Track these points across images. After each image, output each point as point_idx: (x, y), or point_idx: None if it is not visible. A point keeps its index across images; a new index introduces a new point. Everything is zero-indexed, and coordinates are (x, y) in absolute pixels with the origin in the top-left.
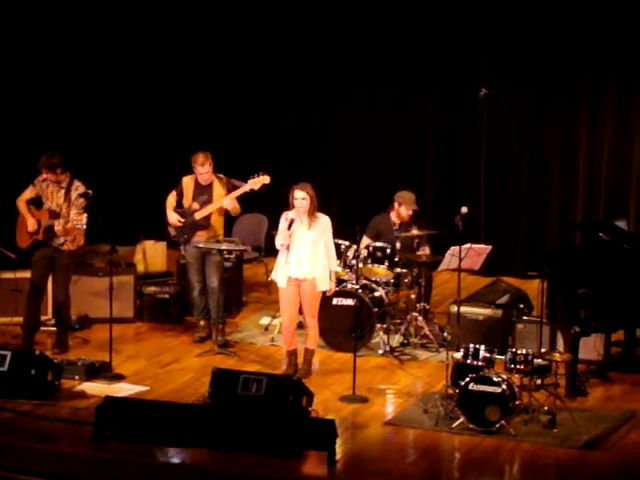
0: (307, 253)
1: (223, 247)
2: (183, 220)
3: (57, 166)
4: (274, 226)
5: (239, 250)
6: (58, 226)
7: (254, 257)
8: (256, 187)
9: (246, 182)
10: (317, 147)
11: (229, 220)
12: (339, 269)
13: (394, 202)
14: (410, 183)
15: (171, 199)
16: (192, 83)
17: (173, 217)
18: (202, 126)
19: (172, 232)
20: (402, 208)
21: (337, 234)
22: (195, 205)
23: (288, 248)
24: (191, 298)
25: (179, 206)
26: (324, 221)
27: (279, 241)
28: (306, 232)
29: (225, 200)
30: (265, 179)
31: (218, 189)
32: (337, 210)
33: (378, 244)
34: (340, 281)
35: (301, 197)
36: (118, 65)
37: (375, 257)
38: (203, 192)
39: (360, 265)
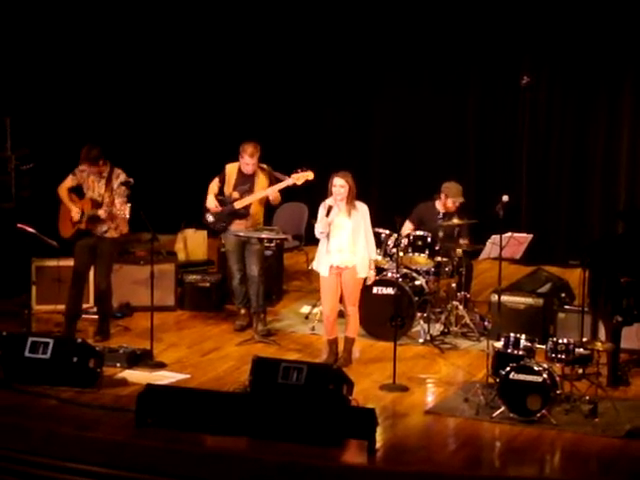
0: (347, 241)
1: (263, 235)
2: (222, 208)
3: (98, 158)
4: (315, 215)
5: (279, 239)
6: (103, 213)
7: (295, 246)
8: (299, 182)
9: (289, 176)
10: (357, 137)
11: (269, 209)
12: (379, 257)
13: (440, 192)
14: (451, 171)
15: (213, 185)
16: (235, 74)
17: (212, 202)
18: (245, 116)
19: (210, 219)
20: (449, 200)
21: (377, 223)
22: (235, 194)
23: (328, 237)
24: (232, 286)
25: (220, 193)
26: (363, 209)
27: (318, 229)
28: (345, 220)
29: (268, 192)
30: (309, 175)
31: (261, 180)
32: (376, 199)
33: (419, 233)
34: (380, 270)
35: (340, 184)
36: (165, 52)
37: (416, 246)
38: (245, 181)
39: (400, 254)
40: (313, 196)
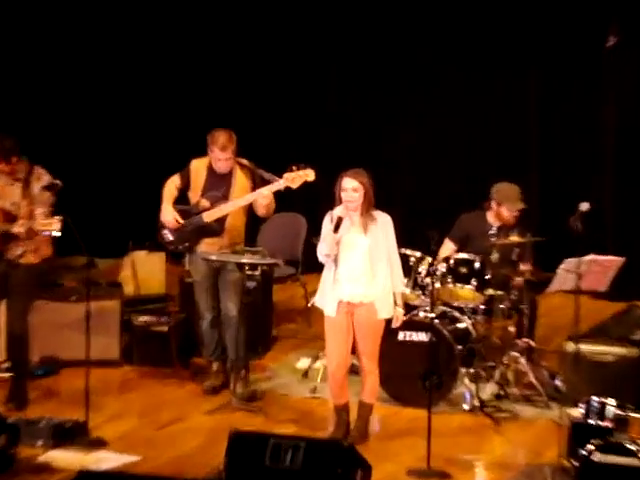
0: (362, 267)
1: (244, 260)
2: (184, 221)
3: (11, 153)
4: (317, 231)
5: (267, 264)
6: (19, 229)
7: (289, 274)
8: (294, 185)
9: (281, 176)
10: (375, 129)
11: (254, 222)
12: (407, 290)
13: (491, 199)
14: (507, 172)
15: (171, 187)
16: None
17: (169, 213)
18: (217, 102)
19: (168, 237)
20: (503, 208)
21: (403, 242)
22: (204, 202)
23: (336, 261)
24: (200, 331)
25: (183, 201)
26: (384, 222)
27: (323, 250)
28: (360, 237)
29: (251, 198)
30: (308, 175)
31: (240, 182)
32: (402, 209)
33: (462, 256)
34: (409, 308)
35: (352, 188)
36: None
37: (458, 274)
38: (219, 185)
39: (437, 285)
40: (314, 204)
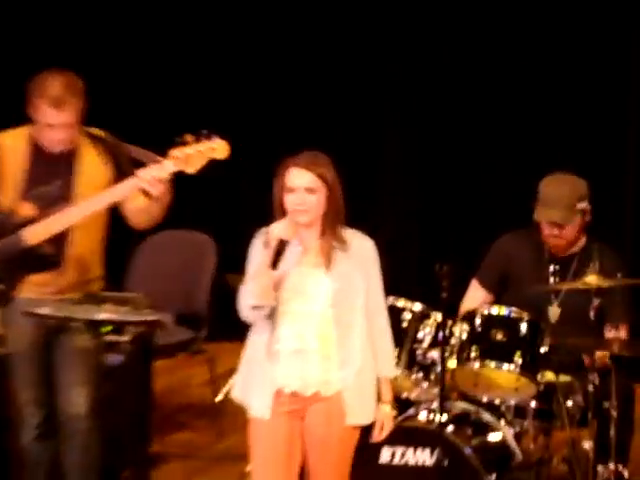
0: (321, 329)
1: (102, 316)
2: None
3: None
4: (235, 264)
5: (144, 323)
6: None
7: (183, 340)
8: (191, 167)
9: (165, 155)
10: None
11: (121, 245)
12: (397, 371)
13: (538, 210)
14: (558, 161)
15: None
16: None
17: None
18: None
19: None
20: (568, 226)
21: (393, 287)
22: (27, 207)
23: (274, 317)
24: (19, 446)
25: None
26: (363, 250)
27: (250, 299)
28: (319, 275)
29: (119, 196)
30: (215, 149)
31: (92, 168)
32: (394, 234)
33: (498, 310)
34: (402, 404)
35: (305, 186)
36: None
37: (491, 343)
38: (51, 174)
39: (452, 363)
40: (234, 215)
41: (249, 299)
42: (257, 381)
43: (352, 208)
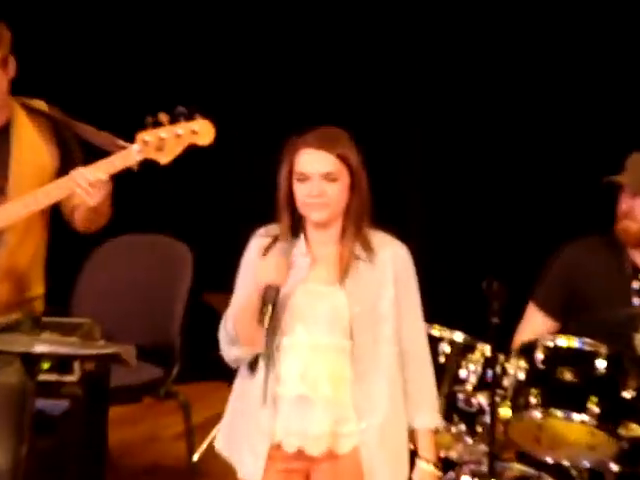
0: (334, 363)
1: (40, 349)
2: None
3: None
4: (219, 278)
5: (94, 357)
6: None
7: (150, 381)
8: (163, 157)
9: (131, 139)
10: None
11: (65, 254)
12: (440, 421)
13: (622, 196)
14: None
15: None
16: None
17: None
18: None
19: None
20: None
21: (430, 312)
22: None
23: (271, 351)
24: None
25: None
26: (397, 260)
27: (230, 347)
28: (332, 292)
29: (71, 183)
30: (197, 132)
31: (29, 148)
32: (431, 245)
33: (566, 342)
34: (448, 464)
35: (321, 170)
36: None
37: (558, 384)
38: None
39: (506, 411)
40: (218, 216)
41: (232, 347)
42: (248, 434)
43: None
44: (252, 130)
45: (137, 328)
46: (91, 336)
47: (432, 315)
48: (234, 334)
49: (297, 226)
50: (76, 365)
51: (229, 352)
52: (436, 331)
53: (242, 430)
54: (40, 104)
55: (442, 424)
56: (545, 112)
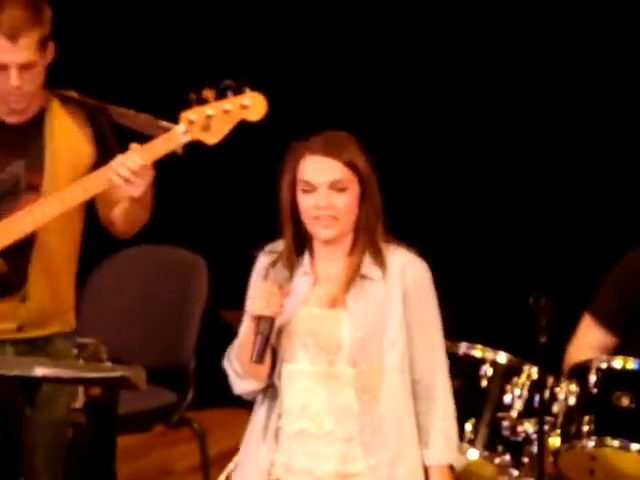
0: (339, 394)
1: (39, 372)
2: None
3: None
4: (237, 294)
5: (100, 381)
6: None
7: (162, 407)
8: (211, 138)
9: (174, 119)
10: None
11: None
12: (473, 454)
13: None
14: None
15: None
16: None
17: None
18: None
19: None
20: None
21: (462, 328)
22: None
23: (273, 386)
24: None
25: None
26: (411, 277)
27: (235, 382)
28: (336, 315)
29: (113, 176)
30: (248, 106)
31: (66, 139)
32: (457, 251)
33: (621, 364)
34: None
35: (328, 179)
36: None
37: (615, 411)
38: (8, 151)
39: (555, 440)
40: (238, 226)
41: (239, 381)
42: (244, 469)
43: (392, 215)
44: (276, 143)
45: (147, 348)
46: (96, 357)
47: (474, 335)
48: (238, 368)
49: (303, 240)
50: (80, 390)
51: (237, 386)
52: (478, 352)
53: (242, 465)
54: (71, 92)
55: (479, 455)
56: (594, 119)
